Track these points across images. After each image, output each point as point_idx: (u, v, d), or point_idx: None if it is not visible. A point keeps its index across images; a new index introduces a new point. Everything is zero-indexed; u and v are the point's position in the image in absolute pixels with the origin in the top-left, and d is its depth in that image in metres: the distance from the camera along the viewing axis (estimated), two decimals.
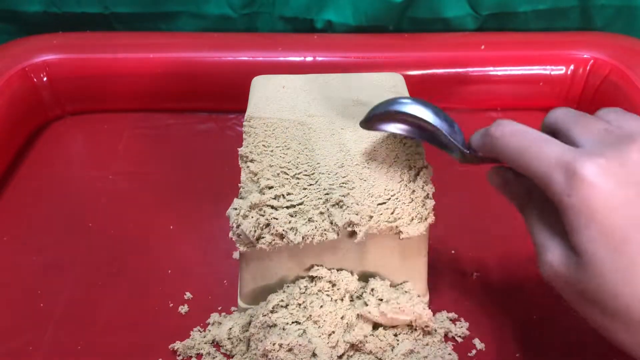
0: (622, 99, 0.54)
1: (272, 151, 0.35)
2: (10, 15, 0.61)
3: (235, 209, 0.33)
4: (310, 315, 0.34)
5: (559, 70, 0.58)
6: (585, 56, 0.57)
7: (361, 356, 0.35)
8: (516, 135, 0.26)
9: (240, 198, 0.34)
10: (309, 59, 0.57)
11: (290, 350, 0.33)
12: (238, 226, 0.32)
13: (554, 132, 0.28)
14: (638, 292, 0.22)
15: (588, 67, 0.57)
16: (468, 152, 0.30)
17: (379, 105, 0.32)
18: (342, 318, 0.34)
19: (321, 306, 0.34)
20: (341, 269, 0.36)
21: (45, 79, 0.56)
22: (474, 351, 0.36)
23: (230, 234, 0.33)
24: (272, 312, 0.34)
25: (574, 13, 0.61)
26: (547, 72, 0.58)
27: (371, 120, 0.32)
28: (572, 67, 0.58)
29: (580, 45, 0.58)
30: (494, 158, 0.29)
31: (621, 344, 0.23)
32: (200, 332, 0.37)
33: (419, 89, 0.54)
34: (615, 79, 0.55)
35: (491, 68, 0.58)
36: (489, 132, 0.28)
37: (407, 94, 0.39)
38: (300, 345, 0.32)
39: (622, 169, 0.23)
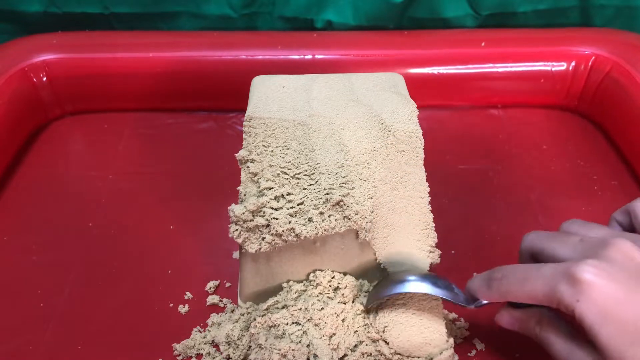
0: (623, 95, 0.53)
1: (272, 151, 0.35)
2: (10, 15, 0.61)
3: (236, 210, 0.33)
4: (311, 318, 0.34)
5: (560, 67, 0.58)
6: (586, 52, 0.57)
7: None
8: (513, 272, 0.29)
9: (240, 199, 0.34)
10: (309, 57, 0.57)
11: (285, 356, 0.33)
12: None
13: (533, 256, 0.31)
14: None
15: (589, 64, 0.57)
16: (473, 306, 0.32)
17: (378, 290, 0.34)
18: (343, 320, 0.34)
19: (322, 308, 0.34)
20: (343, 270, 0.36)
21: (45, 78, 0.56)
22: (474, 351, 0.36)
23: (231, 234, 0.33)
24: (271, 313, 0.34)
25: (574, 13, 0.61)
26: (548, 68, 0.58)
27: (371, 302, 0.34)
28: (573, 63, 0.58)
29: (581, 41, 0.58)
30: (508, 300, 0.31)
31: None
32: (200, 332, 0.37)
33: (419, 87, 0.54)
34: (617, 75, 0.55)
35: (492, 65, 0.58)
36: (491, 277, 0.31)
37: (406, 94, 0.39)
38: (295, 350, 0.33)
39: (612, 267, 0.26)
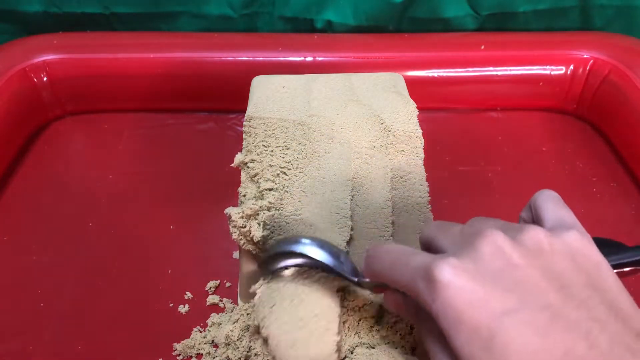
0: (622, 99, 0.54)
1: (272, 151, 0.35)
2: (10, 15, 0.61)
3: (237, 212, 0.33)
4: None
5: (558, 70, 0.58)
6: (585, 56, 0.57)
7: (363, 349, 0.34)
8: (388, 253, 0.27)
9: (240, 200, 0.34)
10: (309, 59, 0.57)
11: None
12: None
13: (426, 245, 0.29)
14: None
15: (588, 67, 0.57)
16: (356, 279, 0.30)
17: (270, 248, 0.32)
18: (344, 322, 0.34)
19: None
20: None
21: (45, 79, 0.56)
22: None
23: (232, 235, 0.33)
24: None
25: (574, 13, 0.61)
26: (547, 72, 0.58)
27: (267, 263, 0.32)
28: (572, 67, 0.58)
29: (580, 45, 0.58)
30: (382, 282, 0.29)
31: None
32: (200, 332, 0.37)
33: (419, 89, 0.54)
34: (615, 79, 0.55)
35: (491, 68, 0.58)
36: (367, 253, 0.29)
37: (406, 94, 0.39)
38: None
39: (475, 264, 0.24)
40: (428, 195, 0.36)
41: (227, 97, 0.58)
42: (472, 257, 0.24)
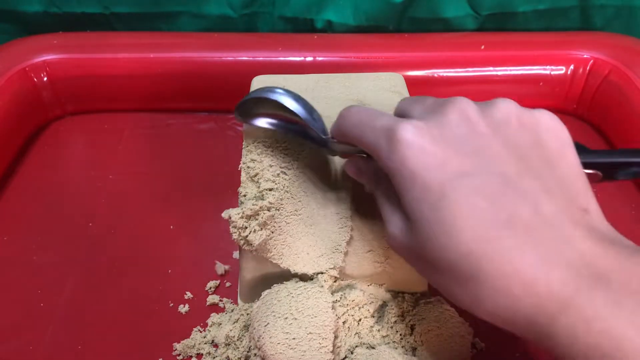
0: (622, 99, 0.54)
1: (272, 151, 0.35)
2: (10, 15, 0.61)
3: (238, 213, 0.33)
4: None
5: (558, 70, 0.58)
6: (585, 56, 0.57)
7: (363, 349, 0.34)
8: (358, 113, 0.28)
9: (240, 200, 0.34)
10: (309, 59, 0.57)
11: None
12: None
13: (401, 116, 0.28)
14: (459, 245, 0.22)
15: (588, 67, 0.57)
16: (325, 137, 0.30)
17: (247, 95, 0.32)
18: (344, 323, 0.34)
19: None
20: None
21: (45, 79, 0.56)
22: (474, 351, 0.36)
23: (232, 236, 0.33)
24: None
25: (574, 13, 0.61)
26: (547, 72, 0.58)
27: (241, 108, 0.32)
28: (572, 67, 0.58)
29: (580, 45, 0.58)
30: (349, 144, 0.29)
31: (459, 300, 0.24)
32: (201, 332, 0.37)
33: (419, 89, 0.54)
34: (615, 79, 0.55)
35: (491, 68, 0.58)
36: (340, 114, 0.29)
37: (407, 94, 0.39)
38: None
39: (440, 129, 0.24)
40: None
41: (227, 97, 0.58)
42: (439, 121, 0.25)
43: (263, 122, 0.33)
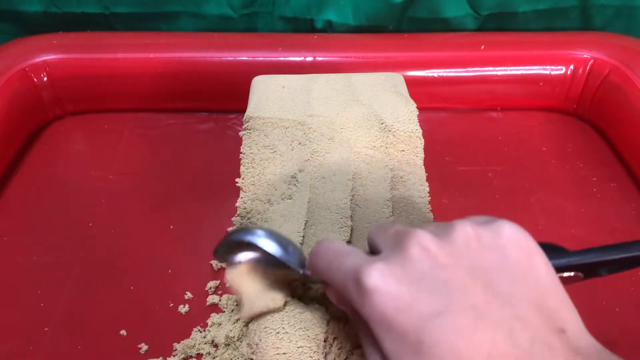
0: (622, 99, 0.54)
1: (272, 151, 0.35)
2: (10, 15, 0.61)
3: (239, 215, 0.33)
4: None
5: (558, 70, 0.58)
6: (585, 56, 0.57)
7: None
8: (326, 253, 0.27)
9: (241, 199, 0.34)
10: (309, 59, 0.57)
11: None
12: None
13: (371, 246, 0.28)
14: None
15: (588, 67, 0.57)
16: (301, 271, 0.30)
17: (224, 238, 0.32)
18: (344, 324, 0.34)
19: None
20: None
21: (45, 79, 0.56)
22: None
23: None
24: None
25: (574, 13, 0.61)
26: (547, 72, 0.58)
27: (219, 252, 0.32)
28: (572, 67, 0.58)
29: (580, 45, 0.58)
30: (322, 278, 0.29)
31: None
32: (201, 332, 0.37)
33: (419, 90, 0.54)
34: (615, 79, 0.55)
35: (491, 68, 0.58)
36: (312, 249, 0.28)
37: (406, 94, 0.39)
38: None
39: (402, 268, 0.24)
40: (428, 195, 0.36)
41: (227, 97, 0.58)
42: (400, 259, 0.24)
43: (244, 257, 0.32)
